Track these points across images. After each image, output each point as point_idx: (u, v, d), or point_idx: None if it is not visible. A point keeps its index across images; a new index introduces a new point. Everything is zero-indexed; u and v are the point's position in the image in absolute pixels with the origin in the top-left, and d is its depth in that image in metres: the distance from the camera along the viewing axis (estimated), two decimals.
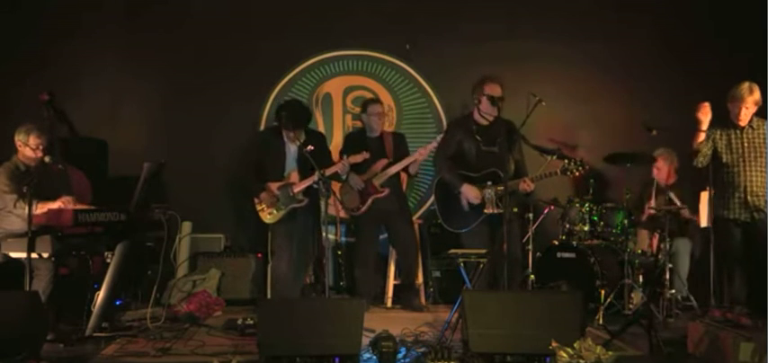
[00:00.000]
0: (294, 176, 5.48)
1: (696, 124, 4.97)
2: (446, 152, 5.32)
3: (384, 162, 5.83)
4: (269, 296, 5.70)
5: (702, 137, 4.98)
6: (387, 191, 5.78)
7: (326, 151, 5.71)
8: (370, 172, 5.81)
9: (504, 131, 5.02)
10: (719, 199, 5.03)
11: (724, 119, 5.06)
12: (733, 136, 4.97)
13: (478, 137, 5.19)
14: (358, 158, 5.61)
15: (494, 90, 5.16)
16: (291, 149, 5.52)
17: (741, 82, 4.98)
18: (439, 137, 5.63)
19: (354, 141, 5.95)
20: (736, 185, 4.91)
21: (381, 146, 5.89)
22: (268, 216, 5.51)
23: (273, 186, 5.48)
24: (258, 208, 5.53)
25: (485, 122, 5.22)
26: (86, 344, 4.51)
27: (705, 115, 4.91)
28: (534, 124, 5.51)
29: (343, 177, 5.76)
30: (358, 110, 6.78)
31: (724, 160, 4.99)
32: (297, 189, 5.44)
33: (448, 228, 5.27)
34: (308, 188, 5.44)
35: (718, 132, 5.03)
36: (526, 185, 5.06)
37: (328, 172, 5.35)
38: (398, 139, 6.03)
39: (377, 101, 6.09)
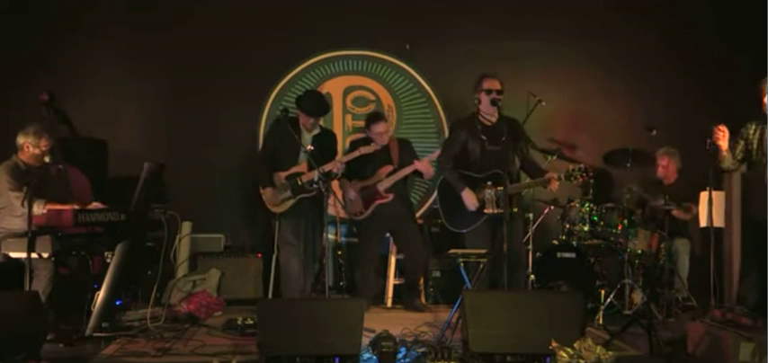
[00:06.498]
0: (304, 166, 5.48)
1: (717, 152, 4.58)
2: (450, 151, 5.33)
3: (389, 168, 5.81)
4: (280, 291, 5.67)
5: (725, 156, 4.59)
6: (391, 196, 5.77)
7: (334, 150, 5.71)
8: (376, 177, 5.80)
9: (508, 129, 5.03)
10: (750, 198, 4.76)
11: (736, 124, 4.71)
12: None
13: (483, 137, 5.19)
14: (353, 155, 5.59)
15: (492, 84, 5.16)
16: (306, 139, 5.50)
17: None
18: (437, 153, 5.69)
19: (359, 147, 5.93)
20: None
21: (387, 153, 5.84)
22: (277, 205, 5.50)
23: (281, 174, 5.49)
24: (266, 197, 5.53)
25: (489, 122, 5.22)
26: (86, 344, 4.51)
27: (724, 139, 4.55)
28: (534, 124, 5.51)
29: (338, 174, 5.65)
30: (358, 110, 6.77)
31: (754, 157, 4.60)
32: (305, 178, 5.44)
33: (450, 227, 5.30)
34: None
35: (753, 127, 4.62)
36: (554, 185, 5.07)
37: (325, 169, 5.33)
38: (404, 146, 5.98)
39: (381, 118, 5.90)
